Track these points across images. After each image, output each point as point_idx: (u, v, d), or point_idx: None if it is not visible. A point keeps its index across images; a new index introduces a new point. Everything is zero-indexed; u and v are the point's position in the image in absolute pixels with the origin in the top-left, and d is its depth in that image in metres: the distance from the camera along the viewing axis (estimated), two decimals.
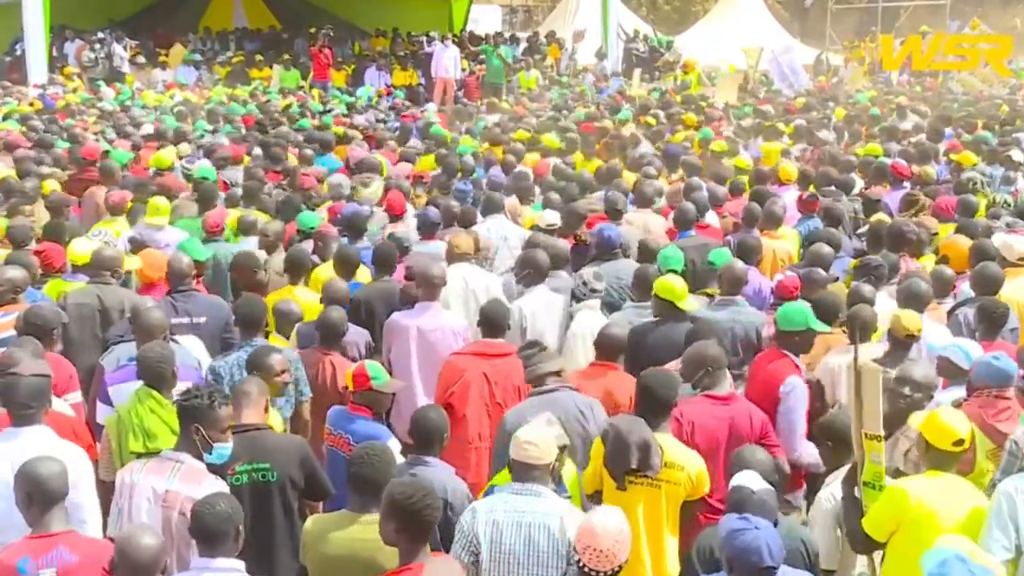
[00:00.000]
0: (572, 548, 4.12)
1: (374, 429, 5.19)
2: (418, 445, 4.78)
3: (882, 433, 4.53)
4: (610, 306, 7.06)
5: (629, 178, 10.63)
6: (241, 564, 3.93)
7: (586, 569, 3.82)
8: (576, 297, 6.90)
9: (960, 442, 4.40)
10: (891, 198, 9.86)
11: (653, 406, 4.93)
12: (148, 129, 14.29)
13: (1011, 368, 5.19)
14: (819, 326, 5.88)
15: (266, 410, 4.92)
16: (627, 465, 4.70)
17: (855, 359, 4.55)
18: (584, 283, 6.89)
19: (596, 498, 4.93)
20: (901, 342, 5.88)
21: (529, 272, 7.06)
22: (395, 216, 8.85)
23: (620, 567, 3.83)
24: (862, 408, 4.59)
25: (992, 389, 5.16)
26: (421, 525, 3.89)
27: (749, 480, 4.21)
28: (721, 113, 16.92)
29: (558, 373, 5.45)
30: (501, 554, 4.20)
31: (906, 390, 5.19)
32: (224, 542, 3.87)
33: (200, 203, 9.24)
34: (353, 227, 8.14)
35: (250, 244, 8.16)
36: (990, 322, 6.20)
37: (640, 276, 6.86)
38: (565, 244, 7.74)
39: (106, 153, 11.41)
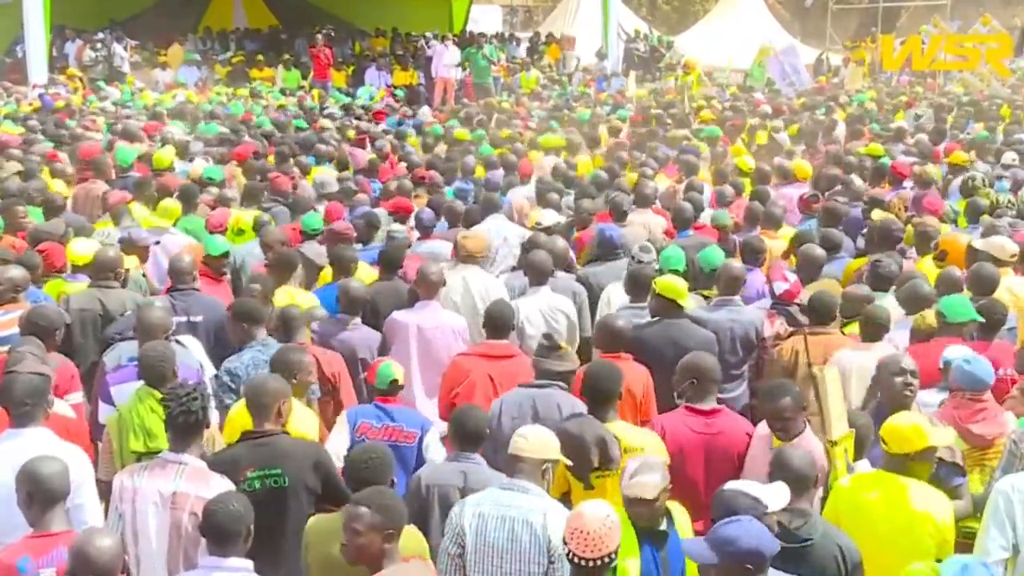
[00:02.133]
0: (555, 545, 4.13)
1: (419, 415, 5.41)
2: (462, 443, 4.79)
3: (836, 438, 4.57)
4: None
5: (630, 178, 10.66)
6: (250, 564, 3.93)
7: (575, 559, 3.73)
8: None
9: (932, 450, 4.42)
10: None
11: (598, 397, 5.03)
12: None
13: (984, 373, 5.20)
14: (978, 316, 6.09)
15: (280, 414, 4.83)
16: (590, 466, 4.79)
17: (808, 364, 4.56)
18: (633, 258, 7.14)
19: (564, 499, 4.91)
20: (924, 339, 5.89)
21: (530, 273, 7.08)
22: (401, 217, 8.87)
23: (610, 557, 3.74)
24: (821, 414, 4.63)
25: (966, 392, 5.18)
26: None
27: (747, 488, 4.11)
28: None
29: (565, 378, 5.45)
30: (484, 547, 4.22)
31: (909, 378, 5.22)
32: (236, 541, 3.88)
33: (181, 203, 9.22)
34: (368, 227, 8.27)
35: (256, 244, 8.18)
36: (987, 323, 6.19)
37: (633, 276, 6.84)
38: (564, 244, 7.74)
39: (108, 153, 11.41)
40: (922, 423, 4.55)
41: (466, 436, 4.78)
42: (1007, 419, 5.22)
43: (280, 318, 6.08)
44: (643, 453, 4.83)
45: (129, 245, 7.55)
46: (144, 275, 7.51)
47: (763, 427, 5.17)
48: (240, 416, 5.12)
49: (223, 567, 3.86)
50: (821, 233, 8.20)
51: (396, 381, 5.47)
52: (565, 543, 3.79)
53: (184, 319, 6.53)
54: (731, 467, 5.09)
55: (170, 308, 6.36)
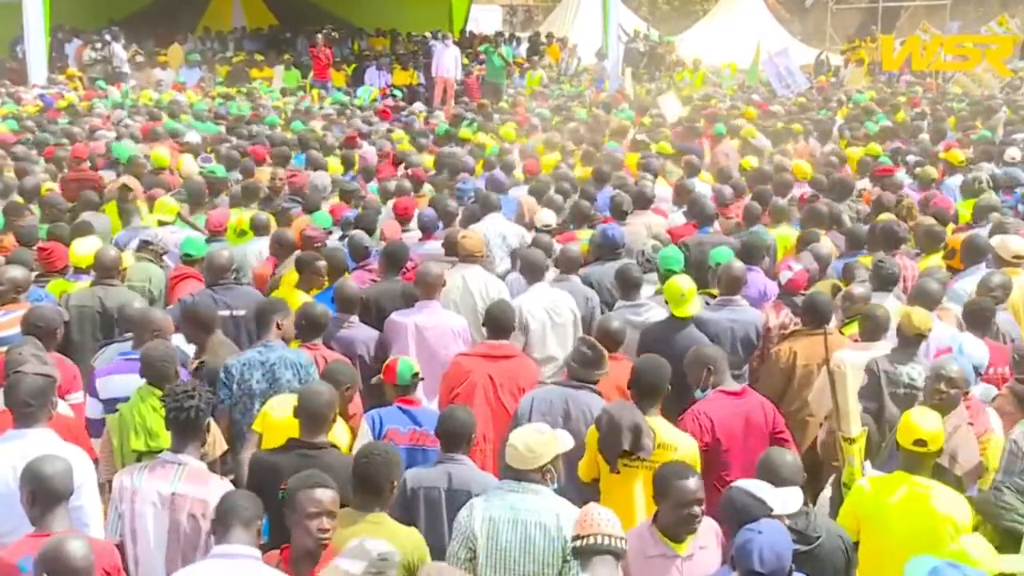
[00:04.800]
0: (570, 545, 4.14)
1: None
2: (447, 443, 4.80)
3: (854, 435, 4.57)
4: (609, 306, 7.07)
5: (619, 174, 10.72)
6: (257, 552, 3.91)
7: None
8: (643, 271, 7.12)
9: (921, 442, 4.43)
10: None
11: (645, 391, 5.06)
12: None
13: (969, 372, 5.21)
14: None
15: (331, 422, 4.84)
16: (619, 448, 4.82)
17: (827, 361, 4.57)
18: (648, 260, 7.22)
19: (593, 485, 5.03)
20: (910, 340, 5.83)
21: (525, 272, 7.11)
22: (402, 219, 8.86)
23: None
24: (838, 411, 4.64)
25: None
26: None
27: (754, 489, 4.12)
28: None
29: (596, 381, 5.51)
30: (497, 551, 4.22)
31: (942, 386, 5.14)
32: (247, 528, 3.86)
33: (190, 201, 9.23)
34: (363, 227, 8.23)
35: (258, 244, 8.17)
36: (978, 320, 6.20)
37: (622, 274, 6.86)
38: (577, 248, 7.74)
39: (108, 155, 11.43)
40: (931, 413, 4.59)
41: (451, 437, 4.79)
42: (990, 416, 5.23)
43: (305, 317, 6.10)
44: (676, 452, 4.89)
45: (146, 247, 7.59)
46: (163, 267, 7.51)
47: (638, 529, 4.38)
48: (283, 422, 5.17)
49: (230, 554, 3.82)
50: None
51: (417, 374, 5.52)
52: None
53: (227, 313, 6.61)
54: (762, 443, 5.18)
55: (207, 301, 6.45)
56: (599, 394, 5.45)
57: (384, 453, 4.36)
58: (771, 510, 3.95)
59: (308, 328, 6.09)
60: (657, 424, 4.97)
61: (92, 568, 3.62)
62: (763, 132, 14.28)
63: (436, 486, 4.68)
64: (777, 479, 4.22)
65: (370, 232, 8.24)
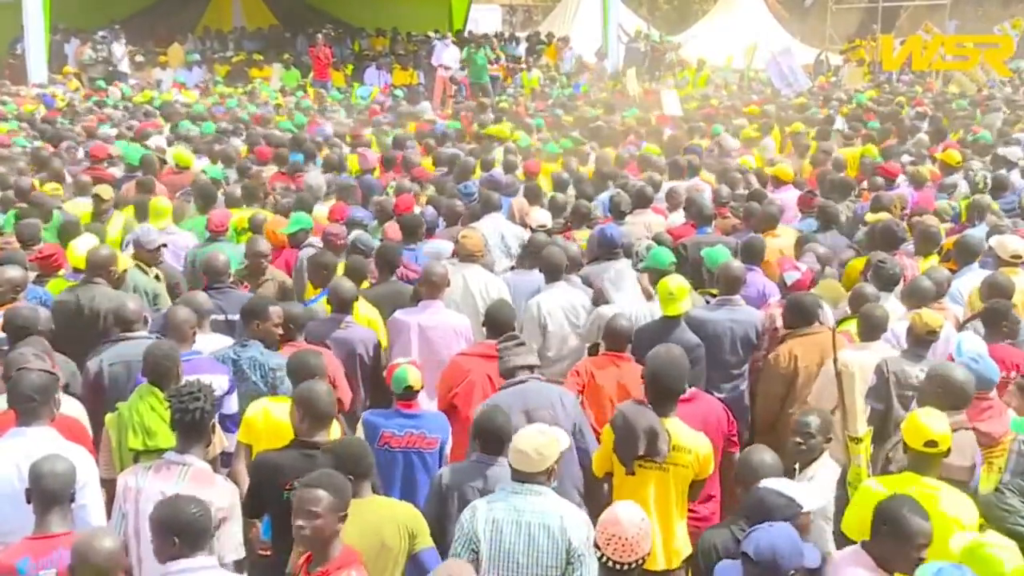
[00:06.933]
0: (575, 547, 4.17)
1: (444, 420, 5.41)
2: (486, 445, 4.80)
3: (860, 435, 4.57)
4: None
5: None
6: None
7: (610, 563, 3.82)
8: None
9: (932, 443, 4.42)
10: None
11: (661, 393, 5.02)
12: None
13: (991, 372, 5.22)
14: None
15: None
16: (635, 452, 4.83)
17: (835, 361, 4.56)
18: (641, 260, 7.25)
19: (607, 480, 5.07)
20: (921, 340, 5.80)
21: (545, 270, 7.13)
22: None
23: (643, 559, 3.85)
24: (845, 410, 4.64)
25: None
26: None
27: (782, 487, 4.13)
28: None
29: (531, 367, 5.55)
30: (500, 553, 4.23)
31: (907, 392, 5.19)
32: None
33: (200, 202, 9.25)
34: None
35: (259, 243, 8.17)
36: (994, 322, 6.19)
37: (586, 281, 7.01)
38: (576, 248, 7.73)
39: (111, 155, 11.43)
40: (938, 414, 4.59)
41: (490, 439, 4.77)
42: (1011, 417, 5.23)
43: (286, 316, 6.07)
44: (690, 453, 4.90)
45: (138, 247, 7.56)
46: (158, 276, 7.44)
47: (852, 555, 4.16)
48: (267, 418, 5.20)
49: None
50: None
51: (411, 387, 5.27)
52: (598, 548, 3.86)
53: (222, 317, 6.59)
54: (719, 442, 5.36)
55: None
56: (546, 380, 5.53)
57: (363, 445, 4.53)
58: (801, 508, 3.96)
59: (288, 329, 6.07)
60: (674, 426, 4.93)
61: (118, 566, 3.63)
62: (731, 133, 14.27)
63: (472, 485, 4.70)
64: (757, 480, 4.26)
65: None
